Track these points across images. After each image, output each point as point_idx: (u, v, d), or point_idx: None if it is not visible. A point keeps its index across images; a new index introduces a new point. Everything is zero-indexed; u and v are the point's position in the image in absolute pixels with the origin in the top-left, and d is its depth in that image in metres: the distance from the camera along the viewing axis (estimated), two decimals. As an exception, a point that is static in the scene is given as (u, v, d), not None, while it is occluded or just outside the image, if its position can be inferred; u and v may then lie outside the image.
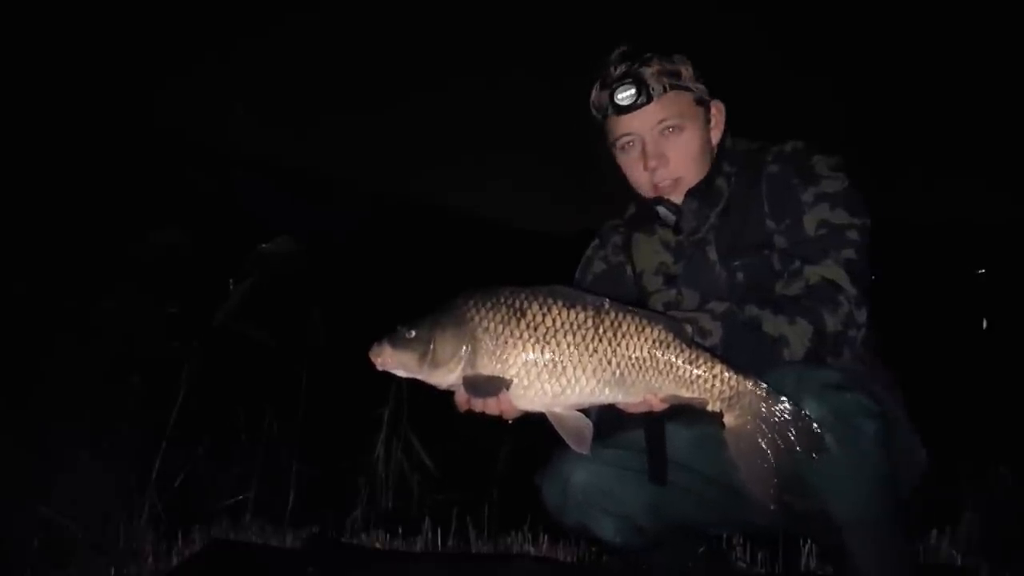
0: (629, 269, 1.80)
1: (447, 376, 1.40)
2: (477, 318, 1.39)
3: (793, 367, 1.50)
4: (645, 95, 1.62)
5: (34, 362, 2.70)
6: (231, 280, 2.80)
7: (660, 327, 1.41)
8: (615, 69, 1.66)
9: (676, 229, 1.71)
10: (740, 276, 1.65)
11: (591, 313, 1.40)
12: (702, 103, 1.68)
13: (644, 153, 1.66)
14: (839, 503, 1.49)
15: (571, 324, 1.39)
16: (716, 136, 1.71)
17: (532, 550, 2.43)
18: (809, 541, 2.22)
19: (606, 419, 1.59)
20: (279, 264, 2.86)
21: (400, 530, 2.56)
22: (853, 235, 1.57)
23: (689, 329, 1.44)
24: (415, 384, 1.44)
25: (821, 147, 1.67)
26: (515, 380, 1.39)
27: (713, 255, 1.69)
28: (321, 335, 2.95)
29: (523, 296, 1.40)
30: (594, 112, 1.71)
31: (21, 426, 2.50)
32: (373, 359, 1.43)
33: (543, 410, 1.42)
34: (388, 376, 1.45)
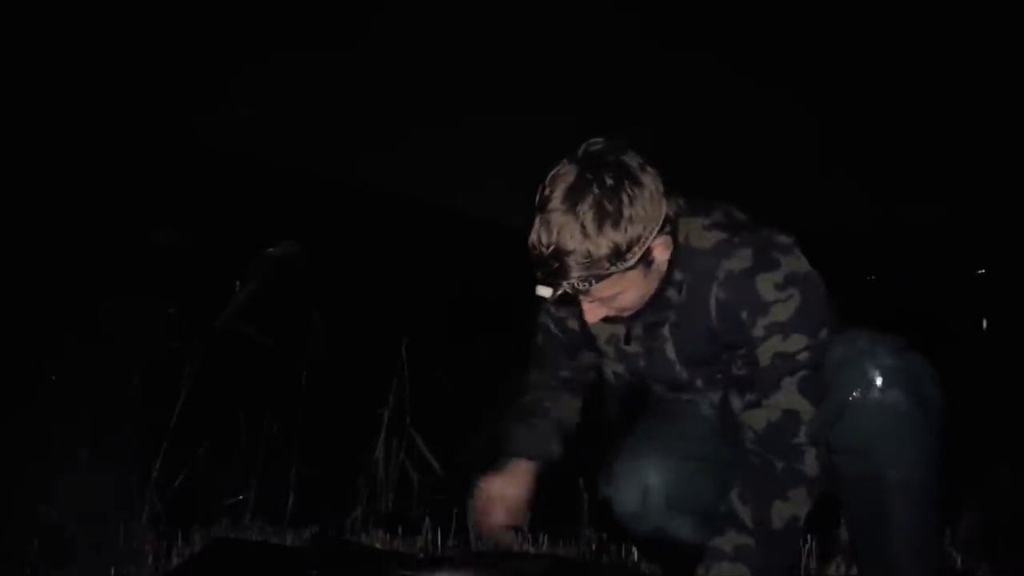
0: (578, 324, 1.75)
1: None
2: None
3: (861, 332, 1.55)
4: (569, 290, 1.47)
5: (34, 362, 2.71)
6: (237, 282, 2.80)
7: None
8: (536, 258, 1.47)
9: (627, 340, 1.68)
10: (699, 383, 1.67)
11: None
12: (640, 260, 1.49)
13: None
14: (896, 464, 1.53)
15: None
16: (662, 259, 1.54)
17: (532, 550, 2.43)
18: (810, 540, 2.22)
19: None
20: (283, 267, 2.86)
21: (400, 530, 2.56)
22: (805, 356, 1.53)
23: None
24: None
25: (772, 246, 1.55)
26: None
27: (672, 354, 1.65)
28: (321, 335, 2.95)
29: None
30: None
31: (21, 426, 2.50)
32: None
33: None
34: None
